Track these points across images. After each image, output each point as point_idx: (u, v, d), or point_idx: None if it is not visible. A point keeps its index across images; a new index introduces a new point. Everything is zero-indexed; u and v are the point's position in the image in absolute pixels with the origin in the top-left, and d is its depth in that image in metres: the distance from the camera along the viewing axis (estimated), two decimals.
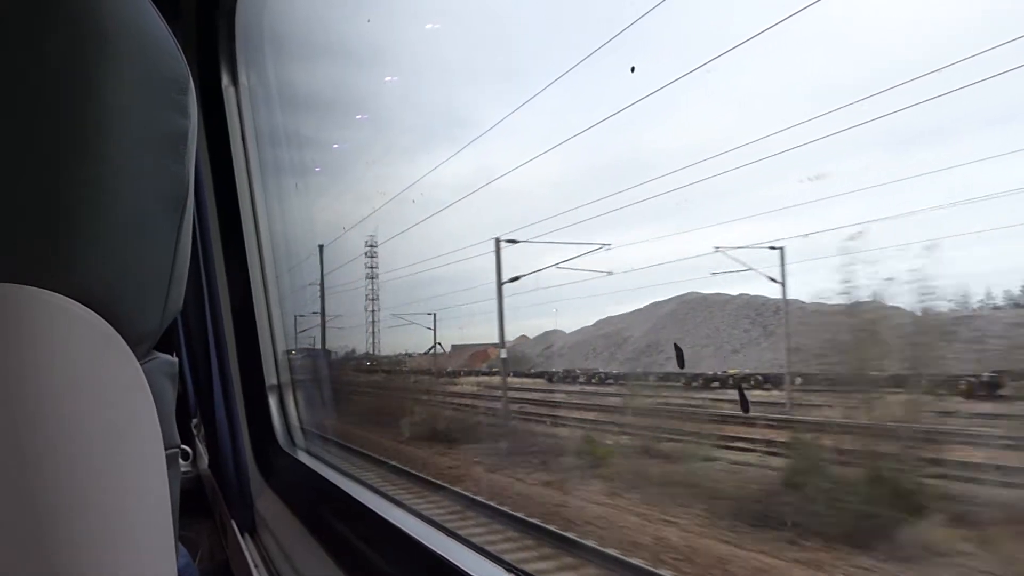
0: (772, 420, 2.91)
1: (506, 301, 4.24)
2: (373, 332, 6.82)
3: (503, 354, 4.86)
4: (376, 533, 1.14)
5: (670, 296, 3.97)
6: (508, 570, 0.96)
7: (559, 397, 4.84)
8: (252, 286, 1.90)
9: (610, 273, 3.77)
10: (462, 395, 5.58)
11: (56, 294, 0.36)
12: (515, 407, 4.68)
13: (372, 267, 6.35)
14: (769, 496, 2.35)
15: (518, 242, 4.16)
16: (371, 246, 6.08)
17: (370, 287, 6.53)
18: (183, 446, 0.60)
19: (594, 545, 2.24)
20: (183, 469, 2.42)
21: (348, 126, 4.00)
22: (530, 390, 5.09)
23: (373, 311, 6.74)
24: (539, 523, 2.44)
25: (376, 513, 1.17)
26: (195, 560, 1.79)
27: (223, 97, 1.85)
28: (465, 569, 0.88)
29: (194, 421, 2.74)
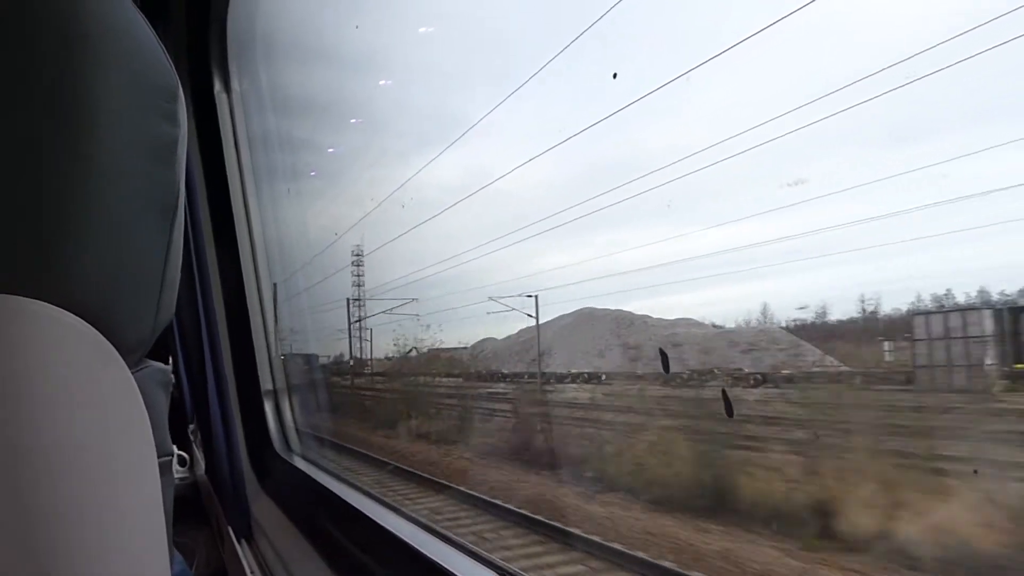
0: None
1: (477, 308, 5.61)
2: (360, 338, 7.07)
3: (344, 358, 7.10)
4: (372, 538, 1.14)
5: (572, 310, 5.03)
6: (500, 574, 0.96)
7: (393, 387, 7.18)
8: (246, 291, 1.89)
9: (417, 316, 5.70)
10: (364, 387, 7.40)
11: (46, 304, 0.35)
12: (379, 394, 7.11)
13: (359, 275, 6.54)
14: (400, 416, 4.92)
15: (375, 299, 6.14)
16: (357, 255, 6.26)
17: (357, 294, 6.69)
18: (180, 452, 0.60)
19: (328, 437, 4.03)
20: (180, 475, 2.40)
21: (342, 131, 4.00)
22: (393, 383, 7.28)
23: (360, 318, 6.89)
24: (318, 434, 4.51)
25: (371, 519, 1.17)
26: (192, 567, 1.78)
27: (215, 103, 1.85)
28: (458, 574, 0.88)
29: (191, 427, 2.72)
